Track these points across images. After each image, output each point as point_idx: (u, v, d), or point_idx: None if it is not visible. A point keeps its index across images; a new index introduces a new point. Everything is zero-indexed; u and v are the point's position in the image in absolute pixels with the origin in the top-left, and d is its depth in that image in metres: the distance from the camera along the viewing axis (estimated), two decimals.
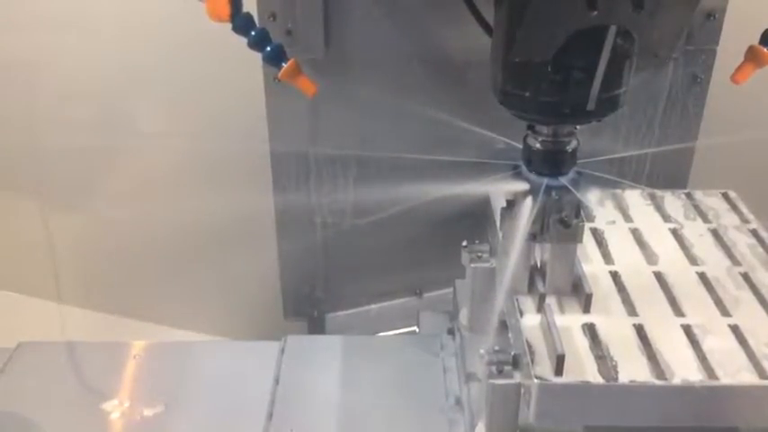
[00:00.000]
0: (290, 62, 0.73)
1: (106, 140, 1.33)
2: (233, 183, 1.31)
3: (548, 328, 0.66)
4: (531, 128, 0.67)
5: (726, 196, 0.90)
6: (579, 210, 0.68)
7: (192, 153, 1.30)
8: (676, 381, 0.62)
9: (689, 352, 0.65)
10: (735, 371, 0.63)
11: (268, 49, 0.73)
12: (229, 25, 0.71)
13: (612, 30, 0.57)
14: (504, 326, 0.74)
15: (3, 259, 1.41)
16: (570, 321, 0.69)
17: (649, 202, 0.89)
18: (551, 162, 0.67)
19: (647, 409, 0.63)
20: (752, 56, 0.76)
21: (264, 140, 1.13)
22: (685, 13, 0.60)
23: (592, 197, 0.88)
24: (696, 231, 0.83)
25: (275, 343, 0.99)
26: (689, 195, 0.90)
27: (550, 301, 0.71)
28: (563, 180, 0.67)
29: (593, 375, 0.63)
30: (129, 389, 0.92)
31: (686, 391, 0.62)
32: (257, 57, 0.75)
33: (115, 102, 1.32)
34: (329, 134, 1.05)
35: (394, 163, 0.95)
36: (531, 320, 0.69)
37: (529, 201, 0.67)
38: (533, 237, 0.69)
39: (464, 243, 0.84)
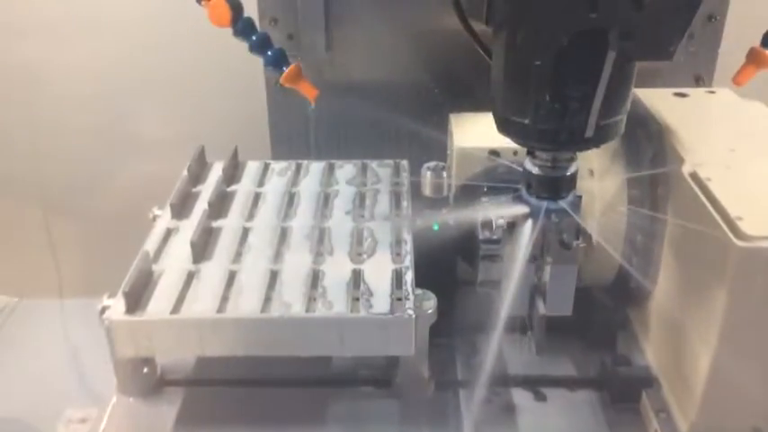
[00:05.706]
0: (291, 67, 0.73)
1: (107, 144, 1.34)
2: None
3: None
4: (530, 153, 0.69)
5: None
6: (578, 232, 0.70)
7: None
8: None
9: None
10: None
11: (269, 53, 0.73)
12: (230, 30, 0.71)
13: (611, 56, 0.57)
14: None
15: (5, 264, 1.41)
16: None
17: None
18: (551, 186, 0.68)
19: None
20: (753, 58, 0.76)
21: (265, 143, 1.13)
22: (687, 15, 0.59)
23: None
24: None
25: None
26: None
27: None
28: (562, 203, 0.68)
29: None
30: None
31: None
32: (259, 60, 0.75)
33: (116, 106, 1.32)
34: None
35: None
36: None
37: (529, 224, 0.69)
38: (534, 258, 0.71)
39: None
